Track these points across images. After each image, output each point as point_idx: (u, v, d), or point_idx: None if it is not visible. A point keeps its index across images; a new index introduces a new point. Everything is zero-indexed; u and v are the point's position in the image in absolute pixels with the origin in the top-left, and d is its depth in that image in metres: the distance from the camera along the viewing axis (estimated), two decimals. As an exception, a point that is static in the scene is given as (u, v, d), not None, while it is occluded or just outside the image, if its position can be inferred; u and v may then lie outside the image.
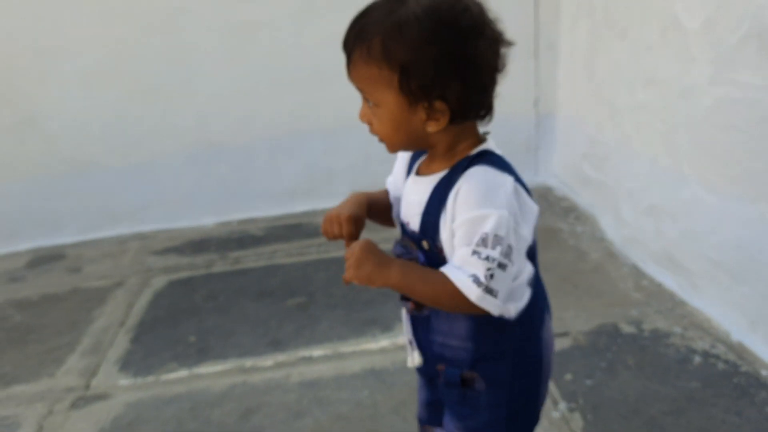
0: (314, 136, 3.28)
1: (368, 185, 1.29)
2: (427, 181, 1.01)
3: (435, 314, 1.05)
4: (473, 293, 0.90)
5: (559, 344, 2.05)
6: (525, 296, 1.00)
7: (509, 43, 0.96)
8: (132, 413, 1.93)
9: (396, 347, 2.09)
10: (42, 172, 3.19)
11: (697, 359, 1.93)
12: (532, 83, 3.34)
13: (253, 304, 2.49)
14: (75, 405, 2.00)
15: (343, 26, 0.97)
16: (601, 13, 2.77)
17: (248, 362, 2.12)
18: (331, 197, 1.45)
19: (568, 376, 1.90)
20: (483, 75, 0.94)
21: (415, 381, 1.31)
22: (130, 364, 2.18)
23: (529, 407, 1.12)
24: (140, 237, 3.26)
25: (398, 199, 1.13)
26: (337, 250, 2.59)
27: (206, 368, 2.12)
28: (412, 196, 1.04)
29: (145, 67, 3.09)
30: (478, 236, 0.90)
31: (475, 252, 0.90)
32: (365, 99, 0.98)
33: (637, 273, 2.45)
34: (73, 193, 3.24)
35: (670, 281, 2.34)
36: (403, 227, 1.08)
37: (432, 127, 0.95)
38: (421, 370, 1.19)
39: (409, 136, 0.98)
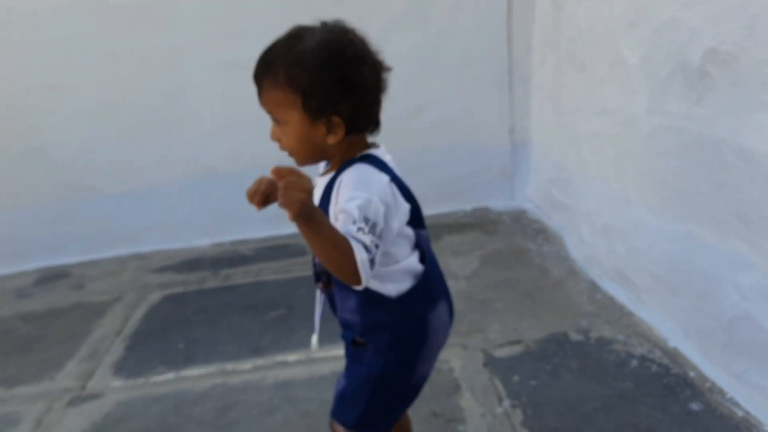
0: (301, 164, 3.49)
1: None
2: (324, 179, 1.23)
3: (337, 292, 1.27)
4: (359, 257, 1.04)
5: (511, 350, 2.25)
6: (406, 281, 1.22)
7: (388, 68, 1.19)
8: (122, 410, 2.14)
9: (364, 353, 2.28)
10: (49, 198, 3.40)
11: (634, 363, 2.11)
12: (507, 113, 3.56)
13: (239, 316, 2.70)
14: (71, 403, 2.21)
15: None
16: (564, 49, 3.01)
17: (229, 366, 2.33)
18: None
19: (516, 378, 2.09)
20: (368, 94, 1.16)
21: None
22: (123, 368, 2.39)
23: (401, 376, 1.30)
24: (139, 257, 3.48)
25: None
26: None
27: (191, 371, 2.32)
28: (316, 191, 1.24)
29: (145, 102, 3.31)
30: (357, 215, 1.06)
31: (360, 229, 1.05)
32: (275, 120, 1.19)
33: (593, 288, 2.63)
34: (77, 217, 3.45)
35: (621, 295, 2.52)
36: None
37: (332, 139, 1.16)
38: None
39: (312, 147, 1.19)
